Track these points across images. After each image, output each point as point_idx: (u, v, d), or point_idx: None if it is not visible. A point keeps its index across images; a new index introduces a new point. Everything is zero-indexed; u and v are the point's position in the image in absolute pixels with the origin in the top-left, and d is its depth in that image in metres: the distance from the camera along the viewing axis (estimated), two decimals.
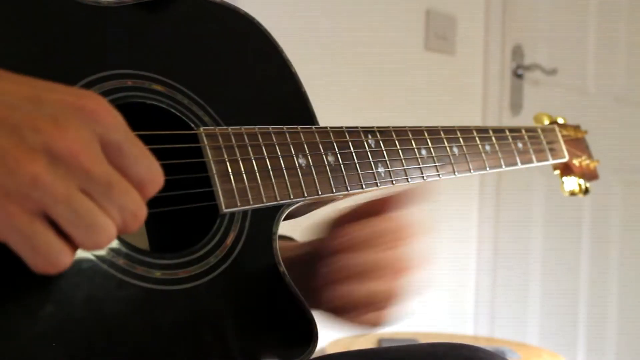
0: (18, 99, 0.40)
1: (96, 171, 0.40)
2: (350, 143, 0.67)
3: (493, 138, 0.85)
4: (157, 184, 0.44)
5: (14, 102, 0.40)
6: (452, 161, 0.78)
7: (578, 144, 1.00)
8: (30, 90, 0.41)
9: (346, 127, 0.68)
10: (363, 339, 1.74)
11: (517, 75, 2.17)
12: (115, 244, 0.50)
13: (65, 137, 0.39)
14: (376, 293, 0.62)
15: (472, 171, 0.81)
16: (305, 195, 0.62)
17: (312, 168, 0.63)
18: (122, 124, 0.43)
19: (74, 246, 0.41)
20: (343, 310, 0.63)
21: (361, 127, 0.69)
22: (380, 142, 0.70)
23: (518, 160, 0.88)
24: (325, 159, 0.65)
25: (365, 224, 0.63)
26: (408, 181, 0.72)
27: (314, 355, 0.59)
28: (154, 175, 0.43)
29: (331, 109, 1.37)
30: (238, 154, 0.58)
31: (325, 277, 0.62)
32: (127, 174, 0.42)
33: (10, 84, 0.41)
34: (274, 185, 0.60)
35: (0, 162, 0.38)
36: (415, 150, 0.74)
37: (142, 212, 0.43)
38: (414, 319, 1.95)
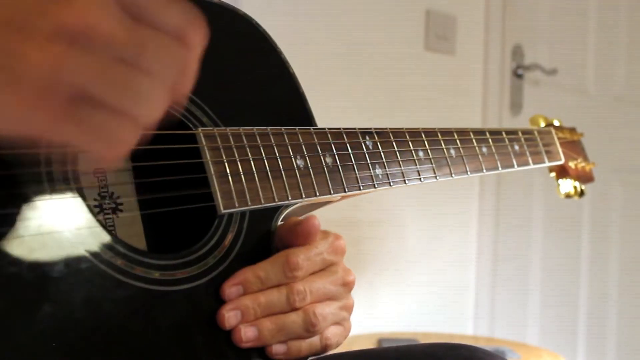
0: None
1: (120, 35, 0.36)
2: (348, 144, 0.67)
3: (490, 140, 0.85)
4: (196, 28, 0.39)
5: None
6: (449, 163, 0.79)
7: (574, 146, 1.00)
8: None
9: (344, 129, 0.68)
10: (363, 339, 1.74)
11: (517, 75, 2.17)
12: (113, 244, 0.50)
13: (75, 11, 0.36)
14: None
15: (468, 173, 0.82)
16: (303, 196, 0.62)
17: (310, 169, 0.63)
18: None
19: (131, 119, 0.37)
20: None
21: (359, 129, 0.69)
22: (378, 143, 0.70)
23: (514, 162, 0.88)
24: (323, 160, 0.65)
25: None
26: (405, 182, 0.72)
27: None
28: (187, 20, 0.39)
29: (331, 109, 1.38)
30: (236, 155, 0.58)
31: None
32: (160, 28, 0.38)
33: None
34: (272, 186, 0.60)
35: (20, 61, 0.35)
36: (413, 151, 0.74)
37: (189, 62, 0.39)
38: (413, 319, 1.96)
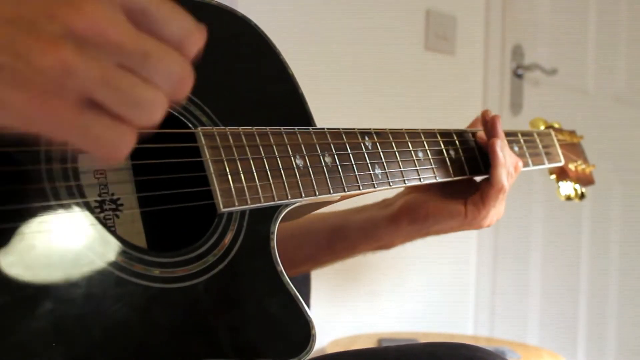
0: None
1: (127, 42, 0.37)
2: (347, 144, 0.68)
3: None
4: (197, 39, 0.41)
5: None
6: (449, 164, 0.79)
7: (574, 148, 1.00)
8: None
9: (343, 129, 0.68)
10: (363, 338, 1.74)
11: (517, 75, 2.17)
12: (113, 242, 0.50)
13: (85, 15, 0.36)
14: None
15: (468, 174, 0.82)
16: (303, 195, 0.62)
17: (310, 169, 0.63)
18: None
19: (130, 124, 0.38)
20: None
21: (358, 129, 0.70)
22: (377, 143, 0.71)
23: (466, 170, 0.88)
24: (322, 160, 0.65)
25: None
26: (405, 183, 0.72)
27: (313, 355, 0.59)
28: (189, 31, 0.40)
29: (331, 109, 1.38)
30: (236, 154, 0.59)
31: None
32: (162, 37, 0.39)
33: None
34: (272, 186, 0.60)
35: (26, 62, 0.35)
36: (412, 152, 0.74)
37: (188, 72, 0.40)
38: (413, 318, 1.96)
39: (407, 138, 0.74)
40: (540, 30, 2.23)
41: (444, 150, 0.78)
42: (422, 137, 0.76)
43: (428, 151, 0.76)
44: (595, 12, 2.39)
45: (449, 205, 0.82)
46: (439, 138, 0.78)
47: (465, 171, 0.81)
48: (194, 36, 0.41)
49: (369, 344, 1.68)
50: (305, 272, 0.92)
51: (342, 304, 1.83)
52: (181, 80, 0.40)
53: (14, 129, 0.37)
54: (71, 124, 0.37)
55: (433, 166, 0.77)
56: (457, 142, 0.81)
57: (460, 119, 2.12)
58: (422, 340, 1.70)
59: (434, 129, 0.78)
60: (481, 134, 0.84)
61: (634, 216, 2.51)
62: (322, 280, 1.65)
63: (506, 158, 0.81)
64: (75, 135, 0.37)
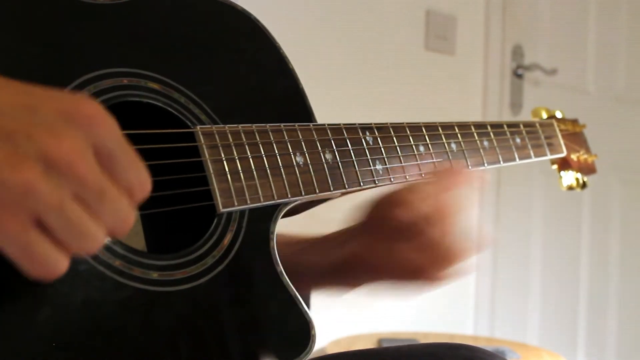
0: (13, 108, 0.40)
1: (90, 179, 0.40)
2: (347, 140, 0.67)
3: (491, 133, 0.85)
4: (145, 191, 0.44)
5: (8, 111, 0.39)
6: (450, 157, 0.78)
7: (576, 138, 0.99)
8: (26, 99, 0.41)
9: (344, 124, 0.67)
10: (363, 338, 1.74)
11: (517, 75, 2.16)
12: (111, 245, 0.50)
13: (60, 145, 0.39)
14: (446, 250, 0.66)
15: (470, 167, 0.81)
16: (303, 193, 0.62)
17: (310, 166, 0.63)
18: (115, 132, 0.43)
19: (68, 251, 0.41)
20: (413, 271, 0.68)
21: (359, 124, 0.69)
22: (378, 139, 0.70)
23: (516, 156, 0.87)
24: (322, 157, 0.64)
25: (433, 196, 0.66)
26: (406, 178, 0.71)
27: (313, 356, 0.59)
28: (142, 182, 0.44)
29: (331, 109, 1.37)
30: (235, 153, 0.58)
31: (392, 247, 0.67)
32: (117, 180, 0.42)
33: (5, 92, 0.41)
34: (272, 184, 0.60)
35: None
36: (413, 146, 0.73)
37: (131, 217, 0.43)
38: (413, 318, 1.95)
39: (408, 132, 0.73)
40: (540, 30, 2.23)
41: (445, 144, 0.78)
42: (424, 130, 0.75)
43: (430, 145, 0.75)
44: (595, 12, 2.39)
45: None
46: (441, 131, 0.78)
47: (468, 164, 0.81)
48: (144, 186, 0.44)
49: (369, 344, 1.68)
50: None
51: (342, 304, 1.82)
52: (123, 222, 0.43)
53: None
54: (15, 239, 0.39)
55: (434, 160, 0.76)
56: (458, 135, 0.80)
57: (460, 119, 2.11)
58: (422, 340, 1.69)
59: (435, 122, 0.77)
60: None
61: (634, 216, 2.50)
62: None
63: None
64: (15, 249, 0.39)
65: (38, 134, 0.39)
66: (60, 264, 0.40)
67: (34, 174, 0.38)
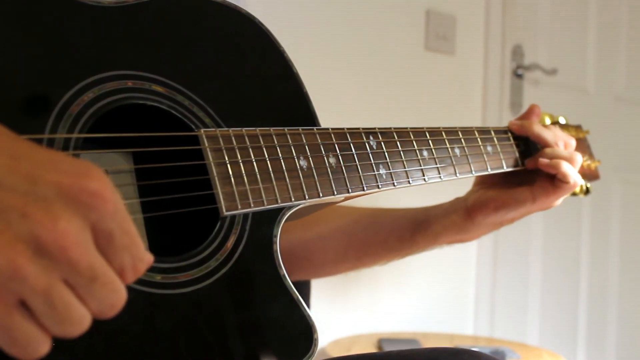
0: (12, 177, 0.38)
1: (82, 264, 0.39)
2: (351, 144, 0.67)
3: (495, 139, 0.85)
4: (139, 273, 0.42)
5: (6, 181, 0.38)
6: (454, 162, 0.78)
7: (580, 144, 0.99)
8: (28, 167, 0.39)
9: (347, 128, 0.67)
10: (363, 338, 1.74)
11: (517, 75, 2.16)
12: None
13: (55, 228, 0.37)
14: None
15: (473, 172, 0.81)
16: (307, 197, 0.62)
17: (314, 170, 0.63)
18: (117, 210, 0.41)
19: (49, 335, 0.40)
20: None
21: (362, 129, 0.69)
22: (382, 143, 0.70)
23: (519, 161, 0.88)
24: (326, 161, 0.64)
25: None
26: (410, 183, 0.71)
27: (314, 358, 0.59)
28: (137, 264, 0.42)
29: (331, 109, 1.37)
30: (239, 156, 0.58)
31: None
32: (111, 261, 0.41)
33: (8, 157, 0.39)
34: (275, 188, 0.59)
35: None
36: (417, 151, 0.73)
37: (121, 301, 0.41)
38: (413, 319, 1.95)
39: (412, 137, 0.73)
40: (540, 30, 2.23)
41: (449, 149, 0.78)
42: (427, 135, 0.75)
43: (433, 150, 0.75)
44: (595, 12, 2.39)
45: (515, 194, 0.87)
46: (444, 136, 0.78)
47: (471, 170, 0.81)
48: (139, 267, 0.42)
49: (369, 343, 1.68)
50: (387, 262, 0.99)
51: (342, 304, 1.82)
52: (112, 307, 0.41)
53: None
54: None
55: (438, 165, 0.76)
56: (462, 140, 0.80)
57: (460, 119, 2.12)
58: (422, 340, 1.69)
59: (439, 127, 0.77)
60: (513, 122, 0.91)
61: (634, 215, 2.51)
62: (322, 280, 1.65)
63: (551, 136, 0.89)
64: None
65: (33, 213, 0.37)
66: (41, 347, 0.39)
67: (22, 256, 0.37)
